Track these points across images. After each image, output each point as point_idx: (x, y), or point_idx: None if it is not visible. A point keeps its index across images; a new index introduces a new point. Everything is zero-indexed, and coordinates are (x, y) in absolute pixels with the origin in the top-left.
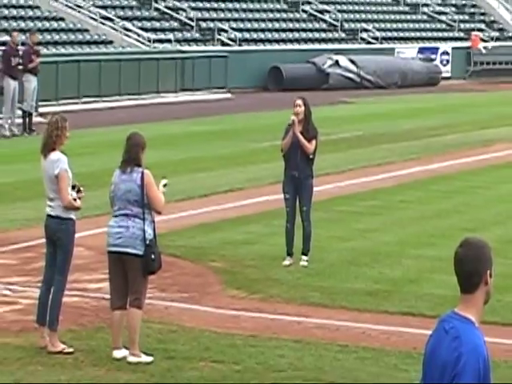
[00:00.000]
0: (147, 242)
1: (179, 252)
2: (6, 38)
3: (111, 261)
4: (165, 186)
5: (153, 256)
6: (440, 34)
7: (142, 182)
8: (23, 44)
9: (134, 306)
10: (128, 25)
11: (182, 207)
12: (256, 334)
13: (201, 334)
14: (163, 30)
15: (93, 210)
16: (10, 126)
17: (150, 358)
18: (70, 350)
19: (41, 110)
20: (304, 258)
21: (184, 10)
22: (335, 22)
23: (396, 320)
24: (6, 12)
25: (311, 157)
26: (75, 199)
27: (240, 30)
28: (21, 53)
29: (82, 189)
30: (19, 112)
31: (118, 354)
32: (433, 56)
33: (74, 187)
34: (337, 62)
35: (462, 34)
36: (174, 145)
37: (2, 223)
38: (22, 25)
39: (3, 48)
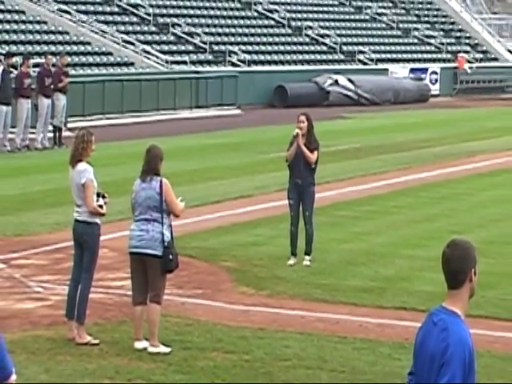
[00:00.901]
0: (165, 244)
1: (194, 253)
2: (40, 60)
3: (133, 261)
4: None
5: (170, 256)
6: (429, 56)
7: (161, 189)
8: (54, 66)
9: (154, 302)
10: (148, 48)
11: (197, 212)
12: (264, 327)
13: (214, 327)
14: (179, 53)
15: (116, 215)
16: (43, 139)
17: (168, 349)
18: (96, 341)
19: (69, 125)
20: (307, 257)
21: (198, 35)
22: (335, 45)
23: (390, 314)
24: (38, 37)
25: (313, 166)
26: (101, 205)
27: (249, 53)
28: (52, 74)
29: (106, 196)
30: (50, 127)
31: (139, 345)
32: (423, 75)
33: (99, 195)
34: (336, 81)
35: (449, 56)
36: (189, 156)
37: (34, 227)
38: (53, 48)
39: (38, 69)
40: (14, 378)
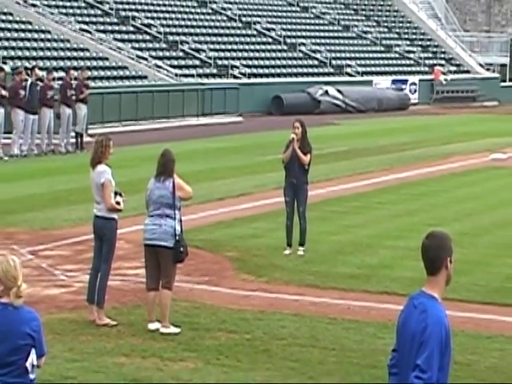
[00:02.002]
0: (176, 237)
1: (201, 244)
2: (62, 74)
3: (147, 252)
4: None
5: (181, 248)
6: (409, 69)
7: (174, 189)
8: (76, 79)
9: (165, 288)
10: (159, 63)
11: (203, 209)
12: (262, 310)
13: (218, 310)
14: (187, 67)
15: (131, 211)
16: (66, 144)
17: (177, 330)
18: (114, 323)
19: (90, 131)
20: (301, 248)
21: (204, 51)
22: (325, 60)
23: (374, 298)
24: (62, 53)
25: (306, 167)
26: (118, 203)
27: (249, 67)
28: (74, 86)
29: (122, 194)
30: (73, 133)
31: (152, 326)
32: (403, 86)
33: (116, 193)
34: (326, 92)
35: (426, 69)
36: (195, 158)
37: (59, 222)
38: (75, 63)
39: (61, 82)
40: (43, 360)
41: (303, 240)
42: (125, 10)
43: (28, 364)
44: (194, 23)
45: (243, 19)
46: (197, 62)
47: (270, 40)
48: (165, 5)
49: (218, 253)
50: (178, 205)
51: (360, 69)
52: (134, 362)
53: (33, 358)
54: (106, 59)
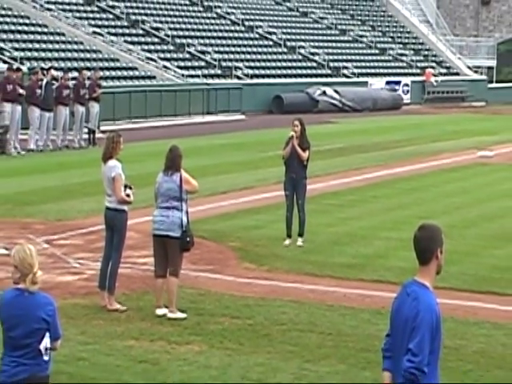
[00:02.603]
0: (183, 228)
1: (206, 235)
2: (76, 74)
3: (155, 241)
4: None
5: (188, 238)
6: (402, 71)
7: (181, 183)
8: (89, 78)
9: (172, 275)
10: (167, 64)
11: (208, 201)
12: (264, 297)
13: (222, 297)
14: (193, 68)
15: (140, 203)
16: (79, 140)
17: (184, 315)
18: (124, 308)
19: (102, 128)
20: (300, 239)
21: (209, 53)
22: (323, 62)
23: (369, 286)
24: (76, 55)
25: (305, 163)
26: (128, 195)
27: (251, 68)
28: (87, 85)
29: (132, 187)
30: (86, 130)
31: (160, 311)
32: (396, 87)
33: (126, 186)
34: (324, 92)
35: (418, 71)
36: (201, 154)
37: (72, 213)
38: (88, 64)
39: (74, 82)
40: (59, 342)
41: (302, 231)
42: (135, 14)
43: (42, 347)
44: (200, 27)
45: (246, 23)
46: (202, 64)
47: (271, 43)
48: (172, 9)
49: (221, 243)
50: (184, 197)
51: (356, 70)
52: (143, 345)
53: (46, 341)
54: (117, 60)
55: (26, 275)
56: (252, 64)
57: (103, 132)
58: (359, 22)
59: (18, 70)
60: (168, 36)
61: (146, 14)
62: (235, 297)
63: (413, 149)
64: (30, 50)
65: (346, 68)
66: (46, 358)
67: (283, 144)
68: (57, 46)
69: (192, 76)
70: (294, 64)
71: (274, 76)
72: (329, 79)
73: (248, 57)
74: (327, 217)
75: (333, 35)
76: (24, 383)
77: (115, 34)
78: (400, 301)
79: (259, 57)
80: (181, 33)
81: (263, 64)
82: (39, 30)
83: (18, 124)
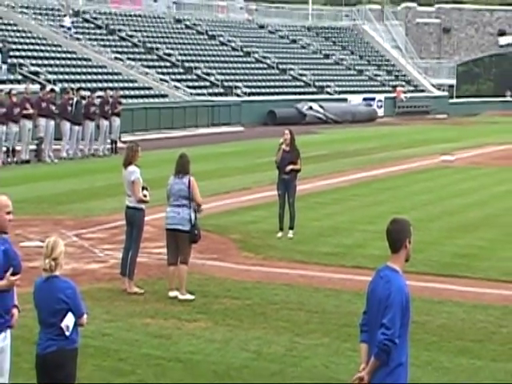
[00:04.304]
0: (192, 223)
1: (211, 228)
2: (101, 93)
3: (168, 234)
4: (146, 190)
5: (196, 232)
6: (376, 89)
7: (189, 184)
8: (111, 97)
9: (183, 263)
10: (177, 84)
11: (213, 200)
12: (260, 281)
13: (224, 281)
14: (200, 88)
15: (155, 202)
16: (104, 149)
17: (192, 296)
18: (142, 291)
19: (122, 138)
20: (290, 231)
21: (213, 75)
22: (310, 81)
23: (350, 271)
24: (100, 77)
25: (299, 168)
26: (145, 195)
27: (249, 87)
28: (110, 102)
29: (148, 189)
30: (109, 140)
31: (172, 294)
32: (372, 102)
33: (143, 188)
34: (311, 107)
35: (390, 89)
36: (207, 160)
37: (97, 211)
38: (110, 85)
39: (99, 100)
40: (85, 317)
41: (292, 225)
42: (150, 42)
43: (63, 325)
44: (205, 52)
45: (244, 50)
46: (207, 84)
47: (266, 66)
48: (182, 38)
49: (224, 235)
50: (192, 197)
51: (337, 88)
52: (158, 323)
53: (68, 321)
54: (135, 81)
55: (50, 263)
56: (249, 84)
57: (124, 142)
58: (340, 48)
59: (52, 90)
60: (178, 61)
61: (160, 42)
62: (235, 281)
63: (386, 154)
64: (61, 73)
65: (328, 87)
66: (67, 333)
67: (275, 151)
68: (84, 70)
69: (198, 94)
70: (285, 83)
71: (268, 94)
72: (314, 96)
73: (246, 78)
74: (314, 213)
75: (318, 59)
76: (54, 355)
77: (133, 59)
78: (375, 283)
79: (255, 78)
80: (189, 58)
81: (259, 84)
82: (69, 56)
83: (52, 136)
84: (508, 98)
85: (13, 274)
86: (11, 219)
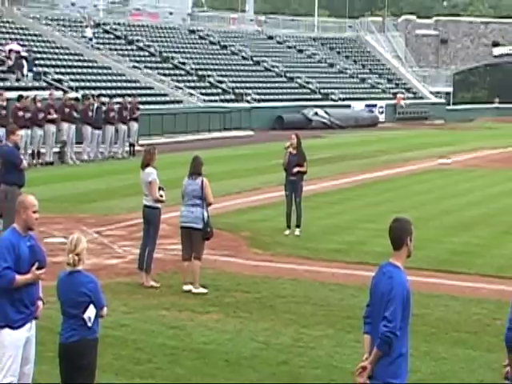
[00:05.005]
0: (205, 221)
1: (223, 226)
2: (120, 99)
3: (182, 232)
4: (162, 191)
5: (208, 229)
6: (378, 96)
7: (202, 185)
8: (129, 103)
9: (196, 259)
10: (191, 91)
11: (224, 200)
12: (268, 275)
13: (235, 276)
14: (212, 94)
15: (171, 202)
16: (122, 152)
17: (205, 290)
18: (158, 285)
19: (140, 142)
20: (297, 229)
21: (225, 82)
22: (315, 89)
23: (353, 266)
24: (119, 84)
25: (305, 170)
26: (161, 195)
27: (258, 94)
28: (128, 108)
29: (164, 189)
30: (127, 144)
31: (186, 287)
32: (373, 109)
33: (160, 188)
34: (316, 113)
35: (390, 96)
36: (219, 162)
37: (116, 210)
38: (129, 92)
39: (118, 106)
40: (105, 309)
41: (299, 223)
42: (166, 52)
43: (85, 316)
44: (218, 61)
45: (254, 59)
46: (219, 91)
47: (274, 74)
48: (196, 48)
49: (235, 233)
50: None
51: (341, 96)
52: (173, 314)
53: (89, 312)
54: (152, 88)
55: (74, 258)
56: (259, 91)
57: (141, 145)
58: (344, 58)
59: (77, 99)
60: (192, 69)
61: (175, 52)
62: (246, 276)
63: (387, 157)
64: (83, 80)
65: (333, 94)
66: (89, 324)
67: (283, 154)
68: (104, 78)
69: (211, 100)
70: (292, 91)
71: (276, 100)
72: (320, 102)
73: (256, 85)
74: (319, 212)
75: (323, 68)
76: (76, 344)
77: (150, 68)
78: (377, 278)
79: (264, 85)
80: (202, 66)
81: (268, 91)
82: (90, 64)
83: (73, 139)
84: (499, 105)
85: (38, 268)
86: (37, 217)
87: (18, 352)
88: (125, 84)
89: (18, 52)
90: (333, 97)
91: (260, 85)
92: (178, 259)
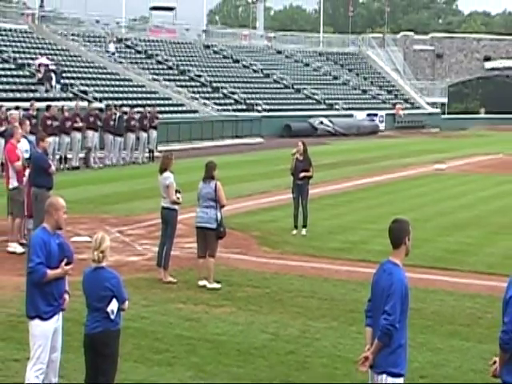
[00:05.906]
0: (218, 221)
1: (235, 226)
2: (140, 109)
3: (198, 232)
4: (179, 193)
5: (221, 229)
6: (378, 106)
7: (216, 188)
8: (149, 112)
9: (210, 256)
10: (206, 101)
11: (236, 202)
12: (277, 272)
13: (246, 272)
14: (225, 105)
15: (187, 203)
16: (143, 158)
17: (219, 285)
18: (175, 280)
19: (159, 148)
20: (304, 229)
21: (237, 93)
22: (321, 100)
23: (355, 264)
24: (140, 95)
25: (311, 175)
26: (178, 198)
27: (268, 104)
28: (148, 117)
29: (181, 191)
30: (147, 150)
31: (201, 283)
32: (374, 118)
33: (176, 191)
34: (322, 122)
35: (390, 106)
36: (231, 167)
37: (137, 211)
38: (149, 102)
39: (139, 115)
40: (127, 303)
41: (305, 224)
42: (183, 65)
43: (109, 309)
44: (230, 74)
45: (264, 72)
46: (232, 101)
47: (283, 86)
48: (210, 61)
49: (246, 232)
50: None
51: (344, 106)
52: (189, 308)
53: (113, 306)
54: (170, 99)
55: (98, 255)
56: (268, 101)
57: (160, 152)
58: (347, 71)
59: (101, 109)
60: (207, 81)
61: (191, 65)
62: (256, 272)
63: (387, 163)
64: (106, 91)
65: (337, 104)
66: (112, 316)
67: (290, 160)
68: (126, 89)
69: (224, 110)
70: (299, 101)
71: (284, 110)
72: (325, 112)
73: (265, 96)
74: (324, 213)
75: (327, 80)
76: (100, 335)
77: (168, 80)
78: (378, 275)
79: (274, 96)
80: (216, 79)
81: (277, 101)
82: (113, 77)
83: (97, 146)
84: (485, 115)
85: (66, 264)
86: (65, 218)
87: (47, 341)
88: (145, 95)
89: (46, 65)
90: (337, 107)
91: (269, 96)
92: (193, 257)
